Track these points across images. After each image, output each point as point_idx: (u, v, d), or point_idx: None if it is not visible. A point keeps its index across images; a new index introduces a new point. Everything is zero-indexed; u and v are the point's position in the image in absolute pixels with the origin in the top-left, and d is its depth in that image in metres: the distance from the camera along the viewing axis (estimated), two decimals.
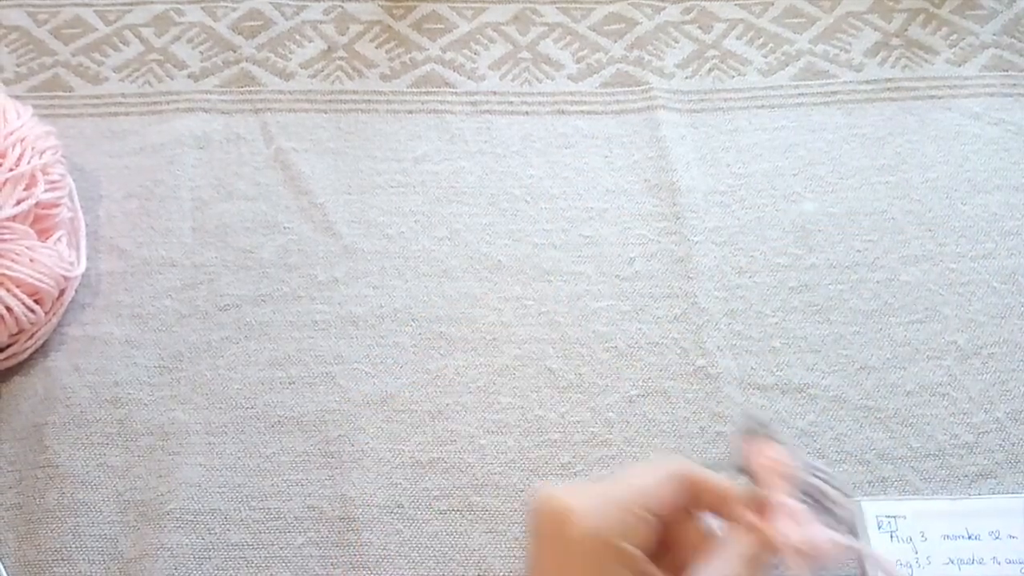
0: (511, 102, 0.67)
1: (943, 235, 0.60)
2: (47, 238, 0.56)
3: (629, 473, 0.38)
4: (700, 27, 0.72)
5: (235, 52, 0.70)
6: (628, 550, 0.36)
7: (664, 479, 0.38)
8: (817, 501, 0.39)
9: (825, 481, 0.40)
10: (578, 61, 0.70)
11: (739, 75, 0.69)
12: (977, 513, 0.49)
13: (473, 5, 0.73)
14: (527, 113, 0.67)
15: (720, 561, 0.37)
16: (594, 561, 0.35)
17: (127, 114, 0.67)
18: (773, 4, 0.73)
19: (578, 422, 0.53)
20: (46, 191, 0.55)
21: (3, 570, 0.48)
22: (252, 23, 0.72)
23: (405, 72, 0.69)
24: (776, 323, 0.56)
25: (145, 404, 0.54)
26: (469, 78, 0.69)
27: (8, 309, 0.52)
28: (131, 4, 0.73)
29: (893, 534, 0.48)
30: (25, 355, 0.55)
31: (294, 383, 0.55)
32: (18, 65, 0.69)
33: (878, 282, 0.58)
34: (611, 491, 0.37)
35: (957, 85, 0.68)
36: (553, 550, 0.36)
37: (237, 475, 0.52)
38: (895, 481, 0.51)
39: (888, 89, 0.68)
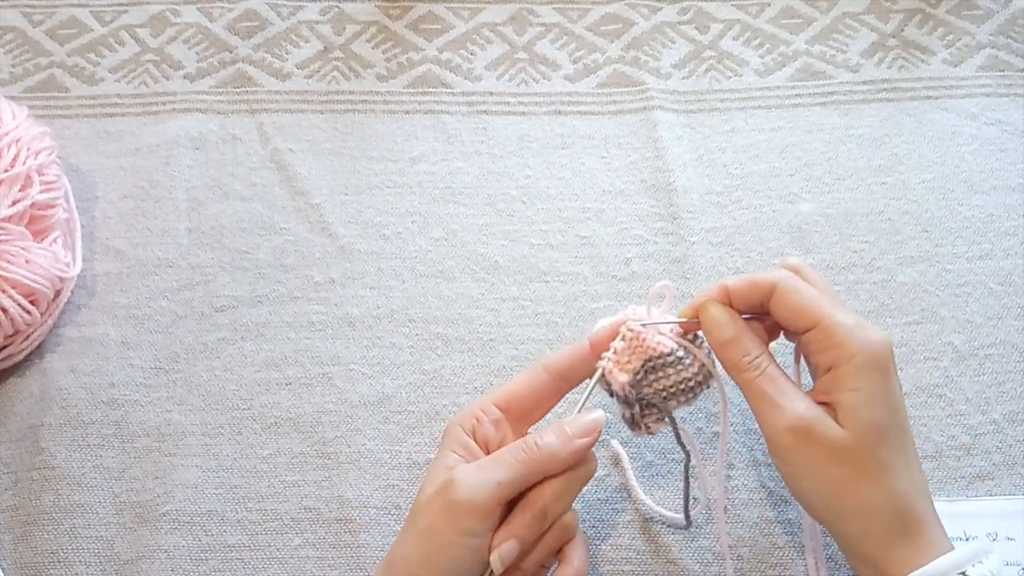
0: (508, 102, 0.67)
1: (940, 236, 0.60)
2: (43, 239, 0.55)
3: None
4: (697, 28, 0.72)
5: (231, 53, 0.70)
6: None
7: (526, 376, 0.45)
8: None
9: None
10: (575, 61, 0.70)
11: (736, 76, 0.69)
12: (975, 515, 0.49)
13: (470, 5, 0.73)
14: (524, 113, 0.67)
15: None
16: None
17: (123, 115, 0.67)
18: (770, 5, 0.73)
19: None
20: (42, 192, 0.55)
21: (0, 572, 0.48)
22: (248, 24, 0.72)
23: (402, 72, 0.69)
24: None
25: (141, 405, 0.54)
26: (466, 78, 0.69)
27: (3, 310, 0.52)
28: (127, 5, 0.73)
29: None
30: (21, 356, 0.55)
31: (291, 384, 0.55)
32: (14, 66, 0.69)
33: (875, 283, 0.58)
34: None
35: (953, 85, 0.68)
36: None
37: (234, 476, 0.52)
38: None
39: (885, 90, 0.68)
